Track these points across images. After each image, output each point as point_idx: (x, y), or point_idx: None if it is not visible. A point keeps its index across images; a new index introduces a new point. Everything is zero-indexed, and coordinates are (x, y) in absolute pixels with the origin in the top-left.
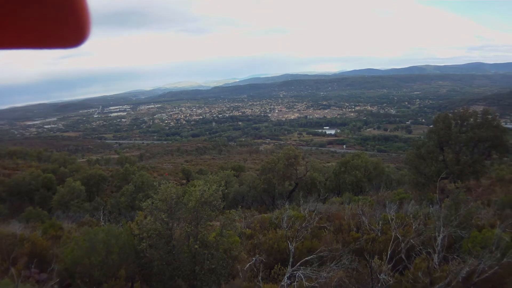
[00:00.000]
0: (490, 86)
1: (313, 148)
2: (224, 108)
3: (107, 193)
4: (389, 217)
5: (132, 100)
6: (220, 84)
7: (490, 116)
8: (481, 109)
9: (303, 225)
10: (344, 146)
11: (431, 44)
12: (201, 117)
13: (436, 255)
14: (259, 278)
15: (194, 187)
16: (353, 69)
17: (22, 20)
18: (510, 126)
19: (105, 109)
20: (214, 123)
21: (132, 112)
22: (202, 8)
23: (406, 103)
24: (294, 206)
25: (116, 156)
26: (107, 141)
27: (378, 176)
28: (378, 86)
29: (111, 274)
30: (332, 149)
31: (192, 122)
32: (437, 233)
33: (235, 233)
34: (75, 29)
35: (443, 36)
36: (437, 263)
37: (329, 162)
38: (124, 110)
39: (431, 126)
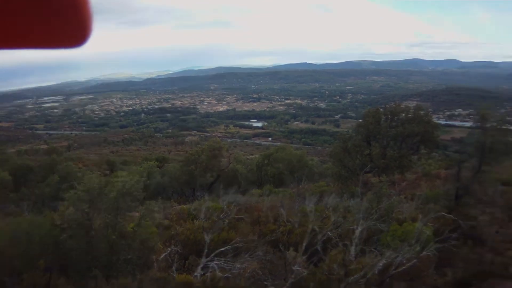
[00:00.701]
0: (427, 82)
1: (239, 140)
2: (155, 99)
3: (34, 184)
4: (308, 210)
5: (66, 91)
6: (153, 76)
7: (422, 112)
8: (414, 104)
9: (221, 216)
10: (270, 138)
11: (369, 40)
12: (131, 108)
13: (353, 247)
14: (173, 268)
15: (117, 178)
16: (288, 63)
17: (23, 19)
18: (442, 122)
19: (39, 99)
20: (143, 115)
21: (65, 103)
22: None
23: (338, 97)
24: (213, 198)
25: (45, 146)
26: (37, 132)
27: (301, 169)
28: (311, 80)
29: (31, 264)
30: (257, 142)
31: (122, 114)
32: (356, 226)
33: (153, 224)
34: (77, 28)
35: (383, 32)
36: (353, 256)
37: (252, 155)
38: (57, 101)
39: (360, 120)
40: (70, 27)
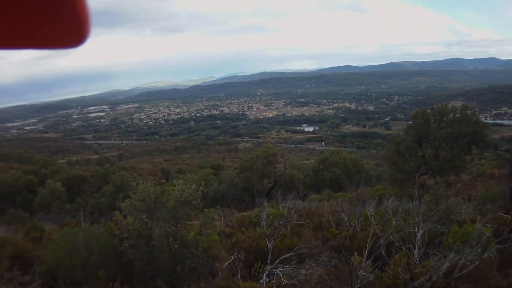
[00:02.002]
0: (469, 82)
1: (292, 145)
2: (202, 107)
3: (88, 194)
4: (368, 214)
5: (110, 100)
6: (198, 83)
7: (469, 112)
8: (460, 104)
9: (281, 222)
10: (323, 143)
11: (408, 40)
12: (179, 116)
13: (416, 250)
14: (238, 276)
15: (173, 187)
16: (331, 66)
17: (21, 20)
18: (489, 121)
19: (84, 109)
20: (192, 122)
21: (111, 112)
22: (175, 6)
23: (385, 99)
24: (273, 204)
25: (96, 156)
26: (86, 142)
27: (358, 173)
28: (356, 82)
29: (92, 275)
30: (310, 147)
31: (171, 122)
32: (416, 229)
33: (215, 232)
34: (75, 29)
35: (420, 32)
36: (417, 259)
37: (308, 160)
38: (103, 111)
39: (409, 122)
40: (69, 28)
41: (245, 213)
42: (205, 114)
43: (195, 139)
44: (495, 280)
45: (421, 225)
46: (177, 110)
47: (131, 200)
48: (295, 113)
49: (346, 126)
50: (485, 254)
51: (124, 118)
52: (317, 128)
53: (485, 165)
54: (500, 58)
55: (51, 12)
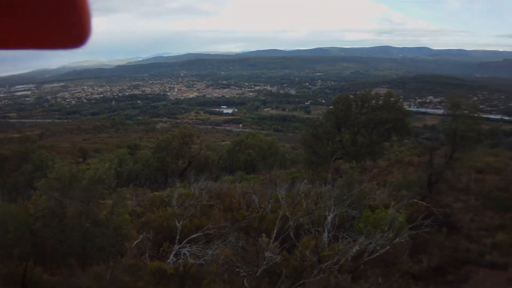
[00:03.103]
0: (397, 70)
1: (209, 127)
2: (125, 86)
3: (7, 173)
4: (280, 196)
5: (38, 79)
6: (124, 63)
7: (393, 99)
8: (385, 91)
9: (192, 203)
10: (241, 125)
11: (338, 27)
12: (102, 95)
13: (325, 234)
14: (146, 255)
15: (89, 166)
16: (257, 49)
17: (22, 20)
18: (413, 109)
19: (11, 88)
20: (114, 102)
21: (37, 91)
22: None
23: (308, 84)
24: (185, 185)
25: (19, 135)
26: (11, 121)
27: (272, 156)
28: (280, 66)
29: (6, 254)
30: (228, 128)
31: (93, 101)
32: (327, 212)
33: (126, 211)
34: (76, 29)
35: (352, 20)
36: (326, 242)
37: (224, 141)
38: (29, 89)
39: (330, 107)
40: (69, 28)
41: (157, 193)
42: (127, 94)
43: (114, 119)
44: (407, 265)
45: (332, 208)
46: (100, 90)
47: (47, 179)
48: (216, 95)
49: (266, 109)
50: (397, 239)
51: (48, 97)
52: (236, 110)
53: (404, 152)
54: (432, 48)
55: (52, 13)
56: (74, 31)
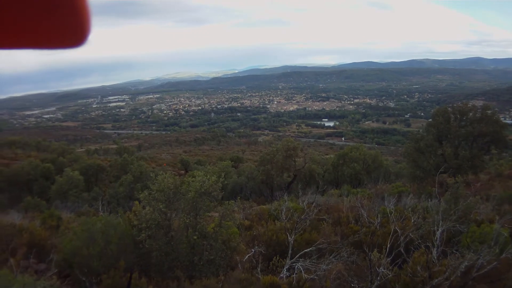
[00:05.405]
0: (489, 81)
1: (312, 140)
2: (223, 99)
3: (106, 183)
4: (388, 210)
5: (131, 91)
6: (219, 75)
7: (489, 111)
8: (481, 104)
9: (302, 217)
10: (343, 138)
11: (429, 38)
12: (200, 108)
13: (435, 249)
14: (258, 269)
15: (194, 178)
16: (352, 61)
17: (22, 20)
18: (509, 121)
19: (104, 99)
20: (213, 114)
21: (131, 102)
22: None
23: (405, 96)
24: (292, 198)
25: (115, 146)
26: (105, 131)
27: (377, 169)
28: (377, 79)
29: (109, 264)
30: (330, 141)
31: (191, 113)
32: (436, 227)
33: (234, 224)
34: (75, 29)
35: (442, 31)
36: (436, 258)
37: (327, 154)
38: (123, 100)
39: (430, 120)
40: (69, 28)
41: (264, 206)
42: (226, 106)
43: (215, 131)
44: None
45: (440, 223)
46: (198, 102)
47: (150, 191)
48: (316, 108)
49: (366, 122)
50: (503, 254)
51: (144, 109)
52: (337, 123)
53: (503, 166)
54: None
55: (51, 12)
56: (74, 30)
